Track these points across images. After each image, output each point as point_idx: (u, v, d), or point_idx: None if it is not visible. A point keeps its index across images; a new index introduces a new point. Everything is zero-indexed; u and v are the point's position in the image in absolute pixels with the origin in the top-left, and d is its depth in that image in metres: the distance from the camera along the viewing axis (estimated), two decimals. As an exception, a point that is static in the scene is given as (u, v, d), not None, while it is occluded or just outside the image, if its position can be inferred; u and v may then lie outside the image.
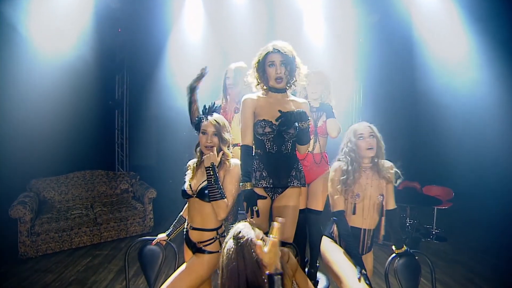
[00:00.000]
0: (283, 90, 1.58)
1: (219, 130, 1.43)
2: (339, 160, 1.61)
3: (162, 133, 5.26)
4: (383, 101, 4.25)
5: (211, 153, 1.40)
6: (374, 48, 4.02)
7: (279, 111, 1.43)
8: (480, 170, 4.09)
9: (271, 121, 1.51)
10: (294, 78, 1.55)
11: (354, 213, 1.54)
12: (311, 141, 2.03)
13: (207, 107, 1.50)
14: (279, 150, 1.52)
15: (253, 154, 1.59)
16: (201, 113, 1.51)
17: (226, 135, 1.45)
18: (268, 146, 1.52)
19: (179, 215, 1.67)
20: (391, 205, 1.60)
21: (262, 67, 1.52)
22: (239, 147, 2.12)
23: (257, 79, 1.56)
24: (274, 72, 1.50)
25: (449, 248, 3.40)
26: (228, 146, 1.48)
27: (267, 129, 1.50)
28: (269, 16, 4.04)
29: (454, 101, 3.93)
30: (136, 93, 5.18)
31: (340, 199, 1.55)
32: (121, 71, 5.07)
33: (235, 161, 1.48)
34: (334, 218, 1.56)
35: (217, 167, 1.41)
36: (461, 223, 4.07)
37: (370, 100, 4.37)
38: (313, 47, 4.07)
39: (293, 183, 1.54)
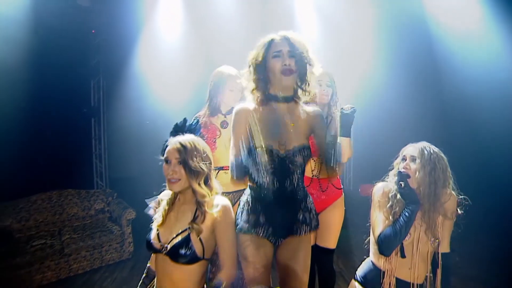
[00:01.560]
0: (290, 98, 1.18)
1: (184, 157, 1.03)
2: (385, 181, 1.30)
3: (144, 141, 4.81)
4: (383, 100, 3.95)
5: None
6: (379, 42, 3.65)
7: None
8: (487, 170, 3.76)
9: (271, 145, 1.12)
10: (306, 81, 1.15)
11: (403, 255, 1.19)
12: (315, 163, 1.63)
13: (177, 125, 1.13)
14: (282, 185, 1.15)
15: (248, 186, 1.22)
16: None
17: (197, 164, 1.05)
18: (267, 179, 1.14)
19: (147, 266, 1.26)
20: (444, 247, 1.26)
21: (263, 62, 1.12)
22: (226, 170, 1.73)
23: (254, 82, 1.16)
24: (280, 63, 1.09)
25: (459, 260, 3.11)
26: (206, 181, 1.08)
27: (266, 157, 1.12)
28: (258, 10, 3.65)
29: (460, 99, 3.64)
30: (113, 99, 4.73)
31: (388, 225, 1.21)
32: (97, 75, 4.61)
33: (220, 202, 1.08)
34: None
35: (198, 222, 1.03)
36: (468, 230, 3.78)
37: (371, 100, 4.05)
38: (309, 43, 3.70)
39: (301, 230, 1.16)
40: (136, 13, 3.75)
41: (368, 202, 1.34)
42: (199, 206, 1.05)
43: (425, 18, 3.34)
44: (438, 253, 1.23)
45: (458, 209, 1.27)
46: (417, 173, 1.20)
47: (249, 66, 1.16)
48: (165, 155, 1.06)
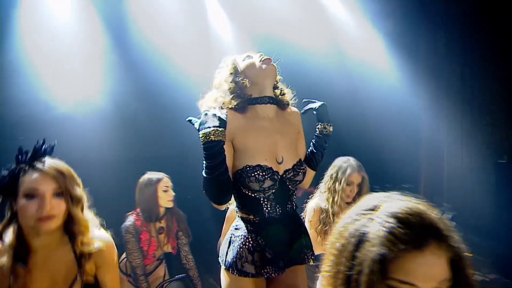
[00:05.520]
0: (273, 100, 1.05)
1: (66, 185, 0.84)
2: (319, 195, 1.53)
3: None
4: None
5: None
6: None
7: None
8: (379, 172, 4.47)
9: (271, 167, 0.97)
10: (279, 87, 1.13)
11: None
12: None
13: (24, 151, 0.86)
14: (284, 210, 1.02)
15: (238, 218, 1.05)
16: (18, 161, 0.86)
17: (78, 190, 0.87)
18: (268, 207, 0.99)
19: None
20: None
21: (235, 70, 1.04)
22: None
23: (229, 89, 1.02)
24: (256, 58, 1.03)
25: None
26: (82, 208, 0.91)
27: (268, 182, 0.96)
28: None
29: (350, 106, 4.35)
30: None
31: (320, 242, 1.43)
32: None
33: (102, 237, 0.93)
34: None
35: (86, 267, 0.88)
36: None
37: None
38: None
39: (308, 257, 1.06)
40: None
41: None
42: (80, 246, 0.86)
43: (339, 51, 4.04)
44: None
45: None
46: (361, 193, 1.50)
47: (228, 76, 1.05)
48: (29, 187, 0.81)
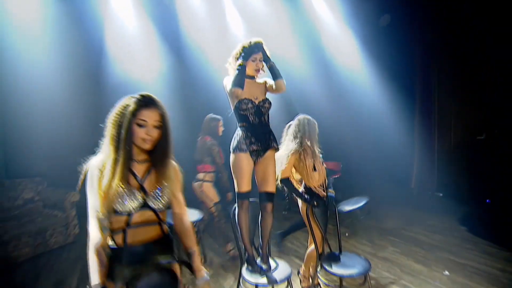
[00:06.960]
0: (253, 77, 1.92)
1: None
2: (292, 142, 2.05)
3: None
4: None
5: None
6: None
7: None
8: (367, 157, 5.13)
9: (251, 99, 1.84)
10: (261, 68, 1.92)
11: (315, 170, 1.99)
12: None
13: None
14: (260, 121, 1.86)
15: (239, 127, 1.87)
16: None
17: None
18: (251, 119, 1.85)
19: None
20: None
21: (243, 60, 1.81)
22: None
23: (237, 66, 1.83)
24: (255, 65, 1.86)
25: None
26: None
27: (250, 105, 1.84)
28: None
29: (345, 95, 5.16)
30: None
31: (290, 171, 2.02)
32: None
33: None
34: (284, 180, 1.97)
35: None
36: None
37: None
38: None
39: (274, 144, 1.90)
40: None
41: None
42: None
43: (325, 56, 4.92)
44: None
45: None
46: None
47: (234, 58, 1.87)
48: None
